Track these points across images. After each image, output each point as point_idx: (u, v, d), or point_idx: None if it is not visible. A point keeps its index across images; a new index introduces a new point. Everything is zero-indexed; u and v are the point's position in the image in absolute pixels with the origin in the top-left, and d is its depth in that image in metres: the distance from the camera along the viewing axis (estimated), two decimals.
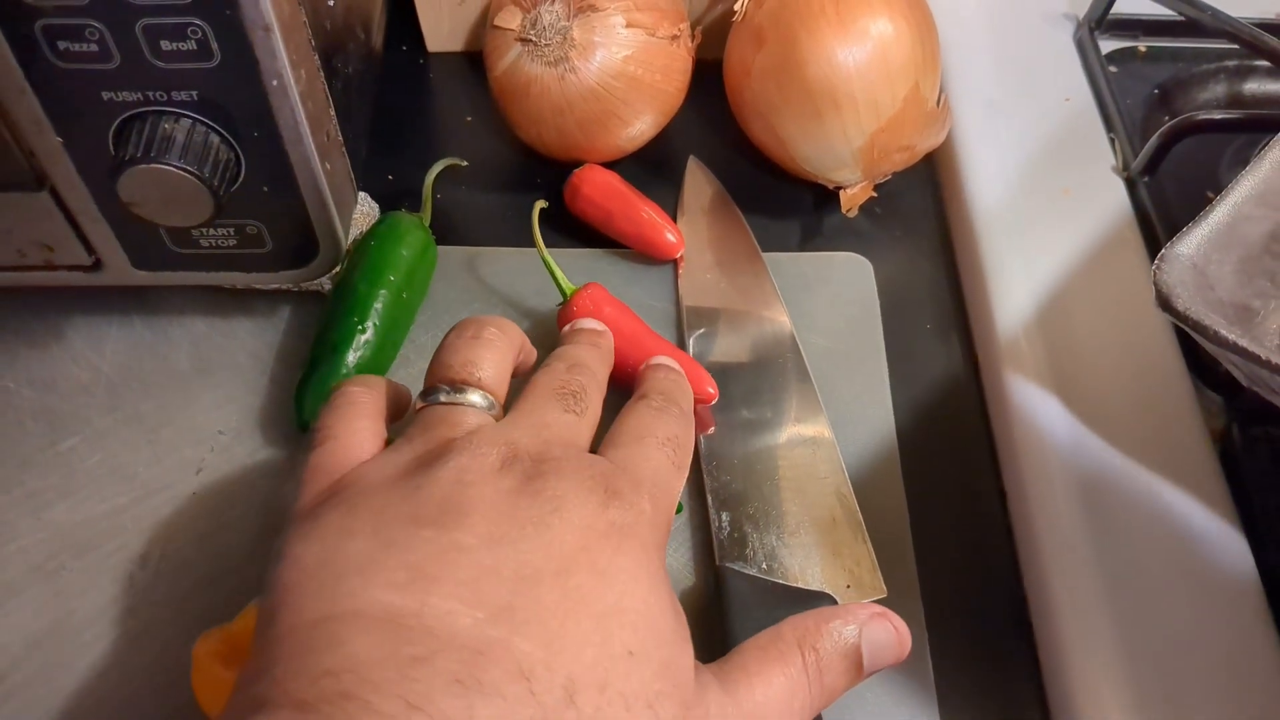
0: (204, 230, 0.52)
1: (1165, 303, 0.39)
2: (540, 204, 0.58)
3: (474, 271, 0.61)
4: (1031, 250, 0.61)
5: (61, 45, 0.43)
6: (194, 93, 0.45)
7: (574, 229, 0.63)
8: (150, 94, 0.45)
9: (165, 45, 0.43)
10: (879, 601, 0.49)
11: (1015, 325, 0.58)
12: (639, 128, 0.62)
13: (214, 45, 0.43)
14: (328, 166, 0.50)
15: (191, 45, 0.43)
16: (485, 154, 0.67)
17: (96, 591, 0.50)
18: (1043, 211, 0.63)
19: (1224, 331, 0.38)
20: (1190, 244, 0.42)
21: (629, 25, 0.59)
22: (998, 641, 0.50)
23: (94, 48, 0.43)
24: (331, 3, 0.52)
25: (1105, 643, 0.47)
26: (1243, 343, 0.38)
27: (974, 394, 0.58)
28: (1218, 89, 0.73)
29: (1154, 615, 0.48)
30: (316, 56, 0.49)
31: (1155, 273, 0.40)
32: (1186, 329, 0.39)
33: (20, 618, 0.49)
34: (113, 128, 0.46)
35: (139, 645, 0.48)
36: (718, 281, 0.61)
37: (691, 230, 0.63)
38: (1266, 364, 0.37)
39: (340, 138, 0.53)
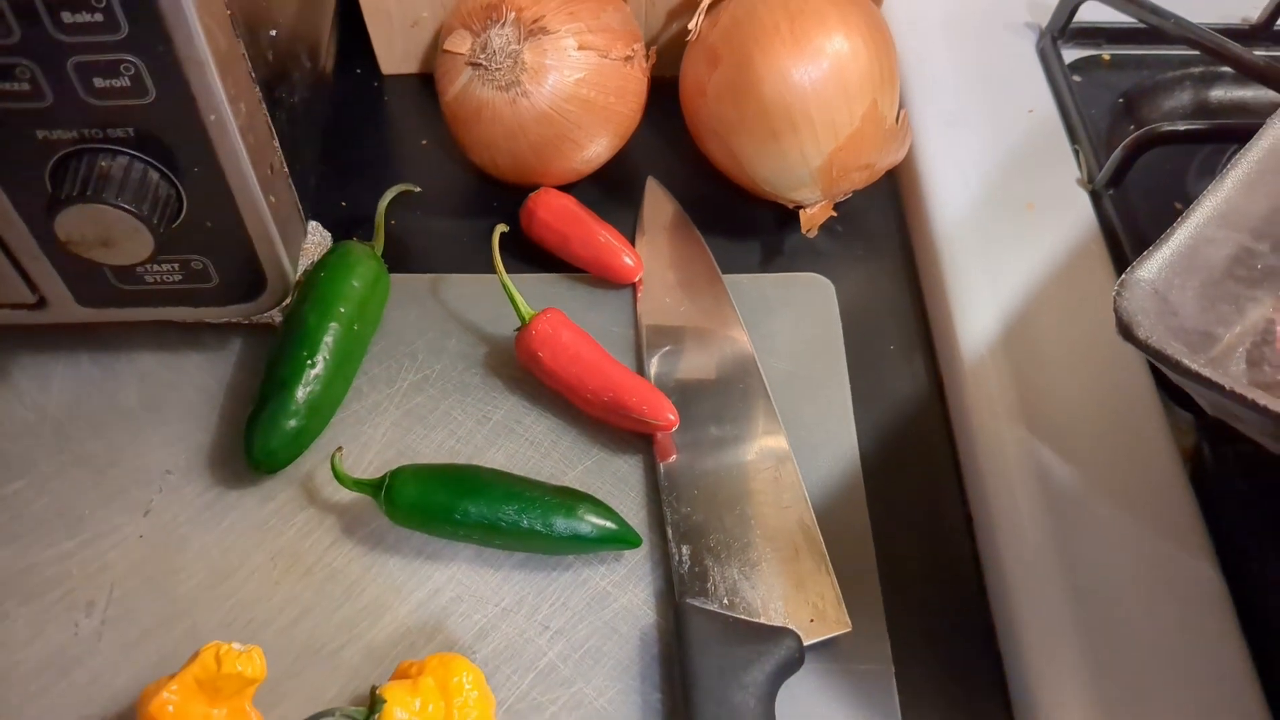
0: (148, 266, 0.50)
1: (1126, 331, 0.39)
2: (501, 228, 0.57)
3: (429, 299, 0.60)
4: (995, 267, 0.60)
5: None
6: (130, 129, 0.44)
7: (531, 254, 0.62)
8: (86, 131, 0.44)
9: (99, 82, 0.42)
10: (843, 636, 0.48)
11: (979, 344, 0.57)
12: (594, 150, 0.61)
13: (148, 81, 0.42)
14: (272, 199, 0.49)
15: (125, 82, 0.42)
16: (441, 178, 0.66)
17: (43, 640, 0.48)
18: (1006, 227, 0.62)
19: (1187, 361, 0.37)
20: (1151, 269, 0.41)
21: (581, 47, 0.58)
22: (966, 672, 0.49)
23: (26, 86, 0.42)
24: (274, 33, 0.51)
25: (1075, 670, 0.46)
26: (1205, 373, 0.37)
27: (939, 416, 0.57)
28: (1183, 96, 0.72)
29: (1124, 641, 0.47)
30: (258, 88, 0.48)
31: (1116, 299, 0.39)
32: (1149, 357, 0.38)
33: None
34: (49, 166, 0.45)
35: (87, 696, 0.47)
36: (678, 303, 0.60)
37: (651, 251, 0.62)
38: (1231, 395, 0.36)
39: (285, 169, 0.51)
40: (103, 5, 0.40)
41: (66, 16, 0.40)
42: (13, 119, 0.43)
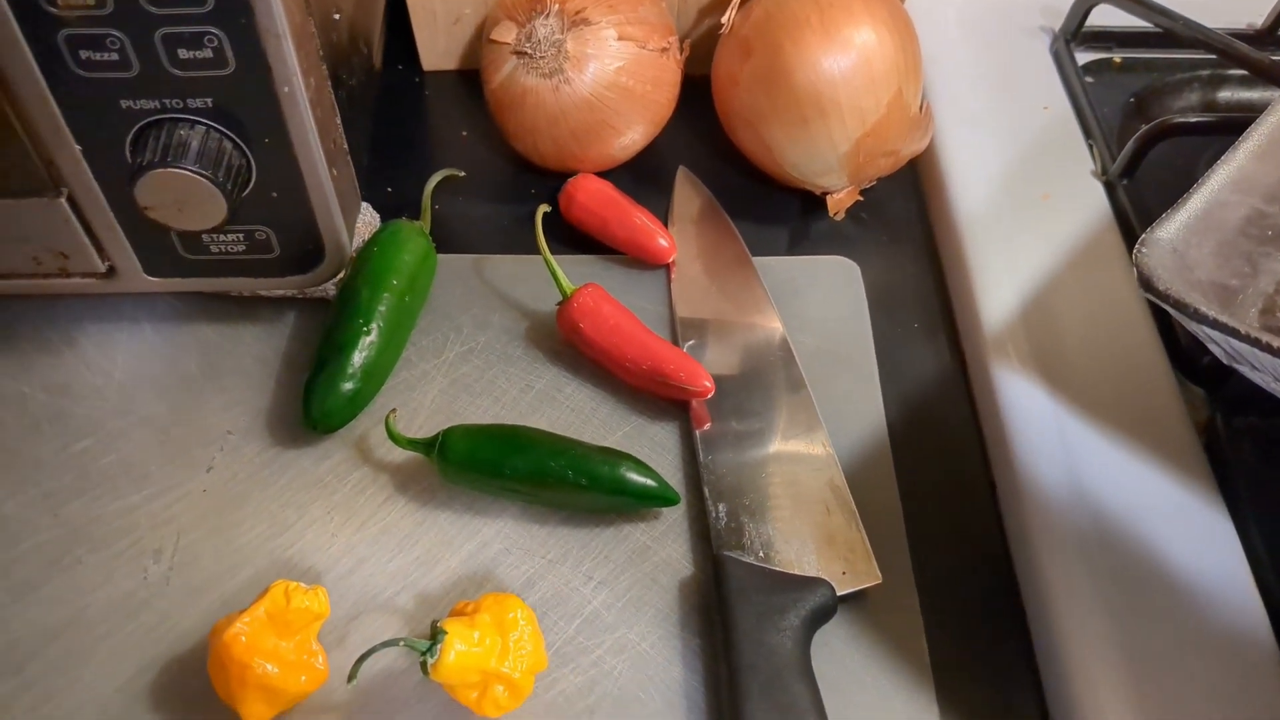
0: (215, 235, 0.53)
1: (1147, 283, 0.41)
2: (544, 208, 0.60)
3: (473, 277, 0.63)
4: (1013, 251, 0.63)
5: (83, 54, 0.45)
6: (209, 100, 0.47)
7: (569, 236, 0.65)
8: (167, 101, 0.47)
9: (183, 53, 0.45)
10: (874, 588, 0.51)
11: (1000, 323, 0.59)
12: (631, 137, 0.64)
13: (229, 53, 0.45)
14: (334, 172, 0.52)
15: (208, 53, 0.45)
16: (481, 166, 0.69)
17: (112, 585, 0.51)
18: (1024, 215, 0.65)
19: (1204, 308, 0.40)
20: (1169, 229, 0.44)
21: (620, 38, 0.61)
22: (991, 624, 0.52)
23: (114, 56, 0.45)
24: (337, 16, 0.54)
25: (1095, 621, 0.49)
26: (1222, 318, 0.39)
27: (961, 389, 0.60)
28: (1191, 97, 0.76)
29: (1143, 595, 0.49)
30: (324, 66, 0.51)
31: (1136, 256, 0.42)
32: (1167, 307, 0.41)
33: (38, 611, 0.50)
34: (130, 135, 0.48)
35: (155, 636, 0.49)
36: (709, 287, 0.63)
37: (682, 238, 0.65)
38: (1245, 338, 0.39)
39: (345, 146, 0.54)
40: None
41: None
42: (100, 88, 0.46)
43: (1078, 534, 0.52)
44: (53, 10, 0.43)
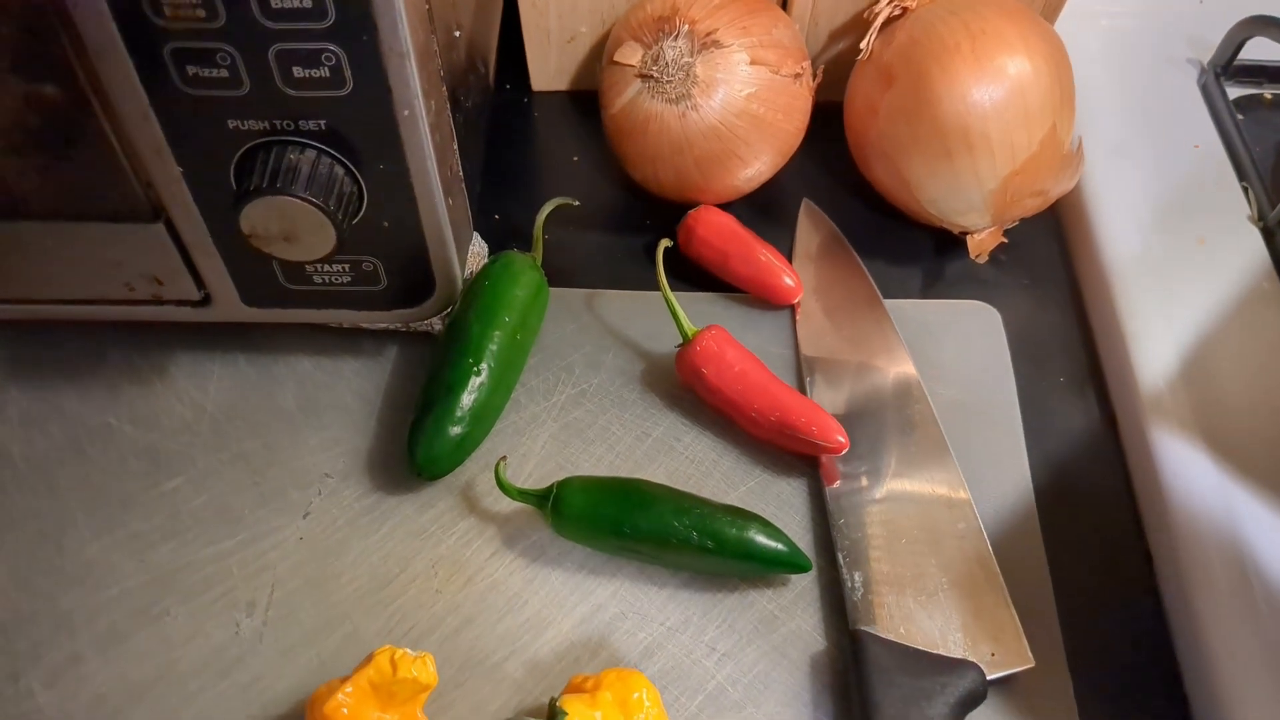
0: (319, 265, 0.50)
1: None
2: (665, 243, 0.56)
3: (585, 314, 0.59)
4: (1168, 300, 0.58)
5: (190, 70, 0.42)
6: (322, 122, 0.44)
7: (686, 272, 0.61)
8: (277, 122, 0.44)
9: (298, 72, 0.42)
10: (1024, 673, 0.46)
11: (1156, 378, 0.55)
12: (757, 168, 0.60)
13: (347, 72, 0.42)
14: (450, 202, 0.49)
15: (324, 72, 0.42)
16: (593, 194, 0.66)
17: (202, 639, 0.48)
18: (1178, 261, 0.60)
19: None
20: None
21: (753, 62, 0.57)
22: (1151, 713, 0.47)
23: (224, 73, 0.42)
24: (457, 34, 0.51)
25: (1268, 710, 0.44)
26: None
27: (1113, 450, 0.55)
28: None
29: None
30: (445, 88, 0.47)
31: None
32: None
33: (124, 665, 0.47)
34: (235, 157, 0.45)
35: (247, 697, 0.46)
36: (837, 331, 0.58)
37: (808, 274, 0.61)
38: None
39: (461, 173, 0.51)
40: None
41: (275, 2, 0.39)
42: (206, 107, 0.43)
43: (1248, 615, 0.47)
44: (159, 21, 0.40)
